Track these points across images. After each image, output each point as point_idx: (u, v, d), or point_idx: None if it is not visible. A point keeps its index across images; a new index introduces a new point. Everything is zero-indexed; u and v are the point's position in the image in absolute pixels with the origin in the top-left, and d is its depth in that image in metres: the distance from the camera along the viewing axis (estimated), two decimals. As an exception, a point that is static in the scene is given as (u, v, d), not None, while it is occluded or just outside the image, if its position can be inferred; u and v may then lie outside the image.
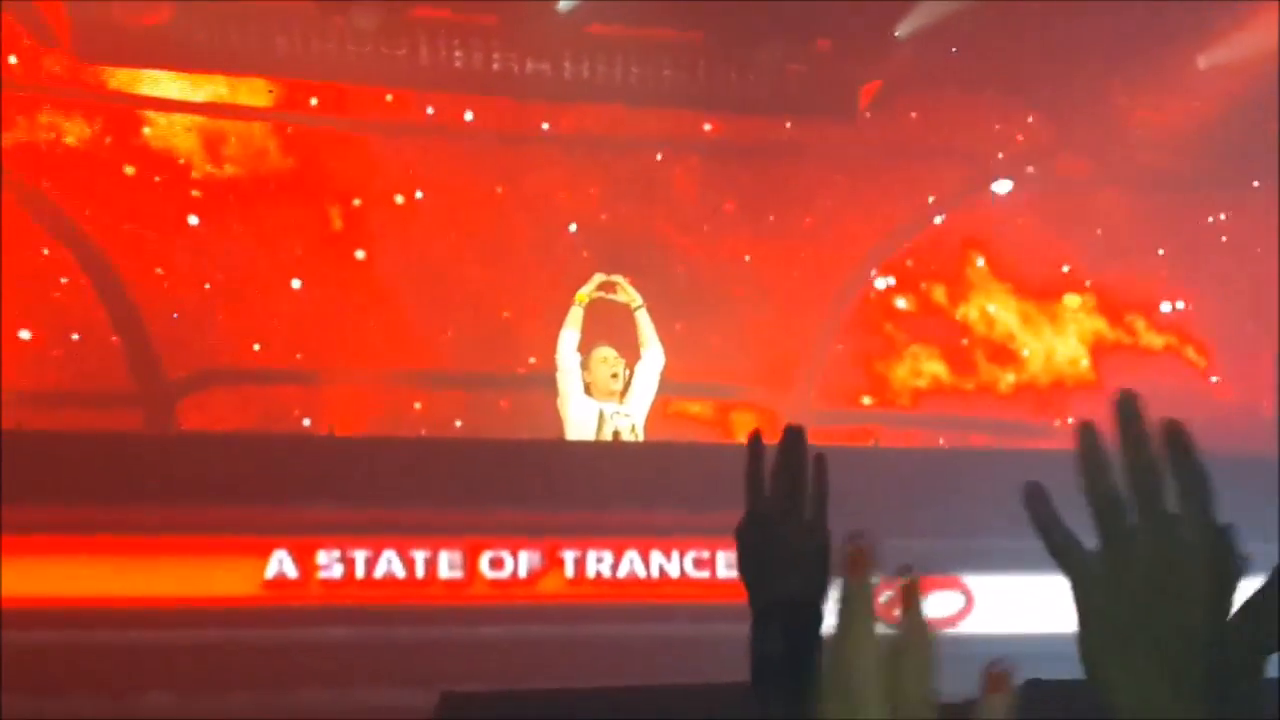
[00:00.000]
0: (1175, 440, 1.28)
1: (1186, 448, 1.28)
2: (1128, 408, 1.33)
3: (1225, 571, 1.21)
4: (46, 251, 12.17)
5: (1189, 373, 13.88)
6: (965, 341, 13.87)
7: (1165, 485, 1.22)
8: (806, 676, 1.83)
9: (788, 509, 1.93)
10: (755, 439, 1.95)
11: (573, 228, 13.00)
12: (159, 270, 12.41)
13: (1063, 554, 1.28)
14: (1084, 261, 13.77)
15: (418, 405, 12.84)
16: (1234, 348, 13.70)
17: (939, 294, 13.91)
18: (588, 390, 9.31)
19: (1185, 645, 1.17)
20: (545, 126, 13.35)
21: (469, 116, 13.23)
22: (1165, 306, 13.98)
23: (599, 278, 9.53)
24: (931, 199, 13.82)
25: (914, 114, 13.60)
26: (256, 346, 12.56)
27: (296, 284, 12.58)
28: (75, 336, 12.25)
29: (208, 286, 12.51)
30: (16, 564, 7.65)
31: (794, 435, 1.94)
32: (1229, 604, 1.20)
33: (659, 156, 13.50)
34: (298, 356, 12.54)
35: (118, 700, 7.53)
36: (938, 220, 13.88)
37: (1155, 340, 14.04)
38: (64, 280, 12.25)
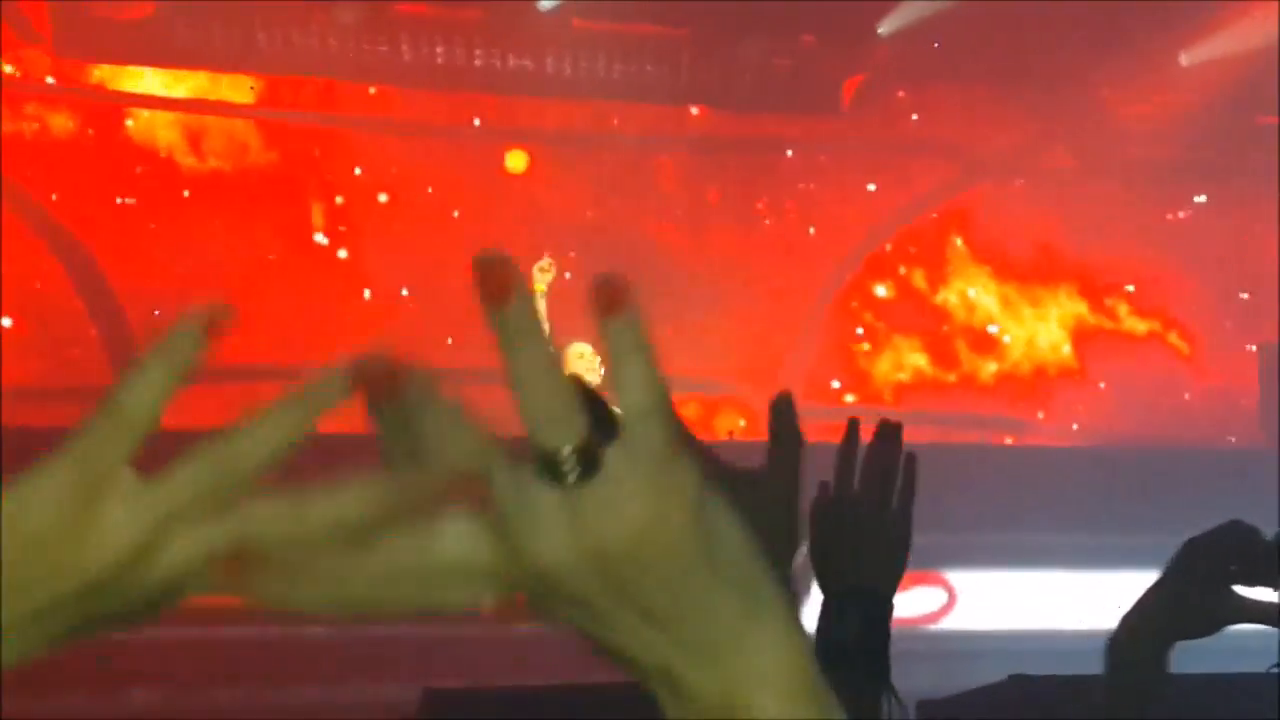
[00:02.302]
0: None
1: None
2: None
3: None
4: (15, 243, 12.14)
5: (1172, 359, 13.88)
6: (945, 329, 13.87)
7: None
8: (880, 665, 1.92)
9: (879, 500, 1.98)
10: (852, 427, 2.01)
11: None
12: (141, 265, 12.37)
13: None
14: (1067, 247, 13.78)
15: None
16: (1216, 336, 13.72)
17: (919, 281, 13.91)
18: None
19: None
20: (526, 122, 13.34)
21: (455, 111, 13.20)
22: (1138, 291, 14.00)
23: (539, 269, 9.48)
24: (914, 193, 13.82)
25: (897, 108, 13.60)
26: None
27: (276, 280, 12.55)
28: (56, 332, 12.21)
29: (189, 282, 12.47)
30: None
31: (892, 430, 2.03)
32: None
33: (643, 153, 13.48)
34: (278, 353, 12.51)
35: (105, 698, 7.52)
36: (921, 215, 13.88)
37: (1138, 325, 14.05)
38: (38, 283, 12.22)
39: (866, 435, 2.03)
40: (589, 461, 0.80)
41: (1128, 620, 1.85)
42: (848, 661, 1.90)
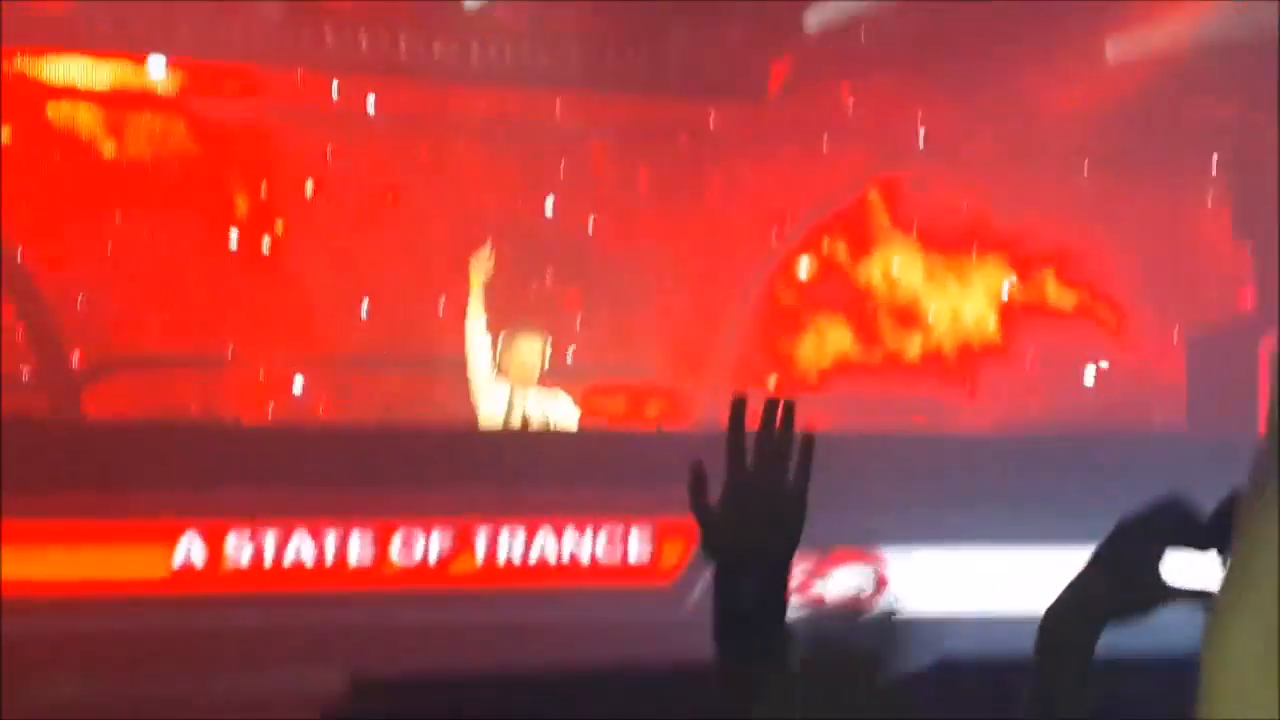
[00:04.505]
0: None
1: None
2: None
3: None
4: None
5: (1099, 332, 13.94)
6: (870, 306, 13.89)
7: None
8: (778, 630, 1.94)
9: (775, 470, 2.00)
10: (739, 404, 2.01)
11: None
12: (64, 254, 12.25)
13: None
14: (993, 224, 13.85)
15: (322, 408, 12.73)
16: (1142, 316, 13.79)
17: (842, 255, 13.93)
18: (503, 373, 9.26)
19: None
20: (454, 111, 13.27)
21: (375, 100, 13.12)
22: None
23: (477, 261, 9.45)
24: (839, 180, 13.84)
25: (823, 96, 13.61)
26: (163, 333, 12.43)
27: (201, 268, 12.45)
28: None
29: (110, 271, 12.36)
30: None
31: (785, 405, 2.03)
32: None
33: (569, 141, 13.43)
34: (205, 343, 12.42)
35: (24, 688, 7.45)
36: (846, 201, 13.92)
37: (1065, 298, 14.10)
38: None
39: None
40: None
41: (1058, 603, 1.86)
42: (748, 630, 1.92)
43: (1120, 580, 1.81)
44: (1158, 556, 1.80)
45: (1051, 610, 1.87)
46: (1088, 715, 1.82)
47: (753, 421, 2.02)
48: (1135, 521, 1.83)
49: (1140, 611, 1.81)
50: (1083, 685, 1.82)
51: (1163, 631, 2.04)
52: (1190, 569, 1.77)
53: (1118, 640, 1.87)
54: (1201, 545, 1.75)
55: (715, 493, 2.01)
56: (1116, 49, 12.61)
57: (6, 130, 12.32)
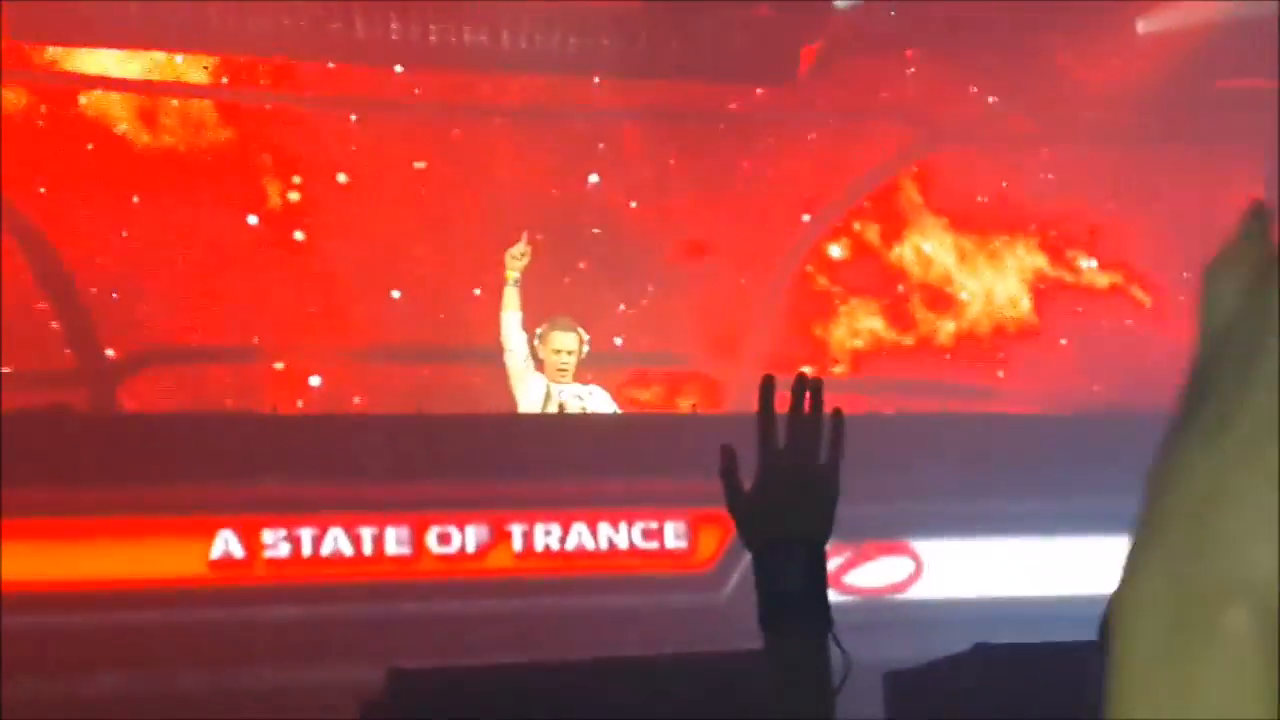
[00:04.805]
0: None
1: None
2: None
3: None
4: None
5: (1135, 313, 13.84)
6: (901, 288, 13.80)
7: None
8: (823, 612, 1.95)
9: (806, 451, 2.00)
10: (767, 383, 2.01)
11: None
12: (97, 248, 12.26)
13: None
14: (1026, 201, 13.77)
15: (357, 399, 12.71)
16: (1178, 297, 13.70)
17: (873, 237, 13.85)
18: (540, 368, 9.27)
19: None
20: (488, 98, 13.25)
21: (412, 89, 13.11)
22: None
23: (511, 256, 9.45)
24: (873, 161, 13.77)
25: (854, 76, 13.55)
26: (195, 326, 12.44)
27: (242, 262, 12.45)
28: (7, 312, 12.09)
29: (143, 263, 12.36)
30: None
31: (813, 384, 2.03)
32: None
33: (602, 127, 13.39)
34: (238, 336, 12.42)
35: (66, 683, 7.48)
36: (880, 183, 13.85)
37: (1099, 279, 14.00)
38: None
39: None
40: None
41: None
42: (792, 611, 1.91)
43: None
44: None
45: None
46: None
47: (782, 403, 2.02)
48: None
49: None
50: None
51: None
52: None
53: None
54: None
55: (747, 474, 2.01)
56: (1147, 25, 12.56)
57: (40, 124, 12.34)
